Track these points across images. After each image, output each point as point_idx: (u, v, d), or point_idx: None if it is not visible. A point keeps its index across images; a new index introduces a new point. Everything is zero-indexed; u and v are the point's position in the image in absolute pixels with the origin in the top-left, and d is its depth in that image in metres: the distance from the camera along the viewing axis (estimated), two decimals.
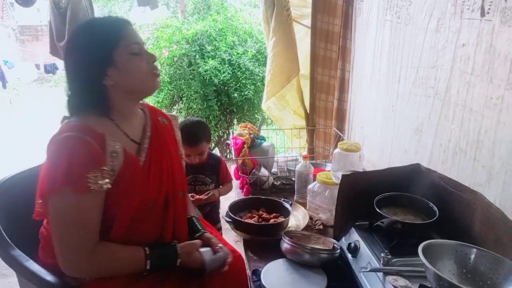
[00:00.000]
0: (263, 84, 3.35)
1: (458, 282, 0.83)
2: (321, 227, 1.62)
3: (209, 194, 1.90)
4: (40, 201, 1.07)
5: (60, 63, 8.64)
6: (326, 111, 2.77)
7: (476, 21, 1.32)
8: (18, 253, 1.13)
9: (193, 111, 4.33)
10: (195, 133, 1.84)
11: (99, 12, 8.91)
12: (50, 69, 8.76)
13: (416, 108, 1.75)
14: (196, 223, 1.39)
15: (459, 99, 1.45)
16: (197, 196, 1.87)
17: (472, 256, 0.98)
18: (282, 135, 2.89)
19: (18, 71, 8.75)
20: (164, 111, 1.56)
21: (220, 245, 1.28)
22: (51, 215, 1.03)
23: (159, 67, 1.20)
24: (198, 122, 1.91)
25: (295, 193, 1.88)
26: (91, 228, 1.04)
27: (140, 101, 1.27)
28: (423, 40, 1.67)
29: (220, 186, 2.03)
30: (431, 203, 1.27)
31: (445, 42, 1.51)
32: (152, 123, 1.25)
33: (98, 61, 1.07)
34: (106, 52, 1.07)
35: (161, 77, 4.42)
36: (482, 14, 1.29)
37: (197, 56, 4.35)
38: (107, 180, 1.03)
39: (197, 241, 1.24)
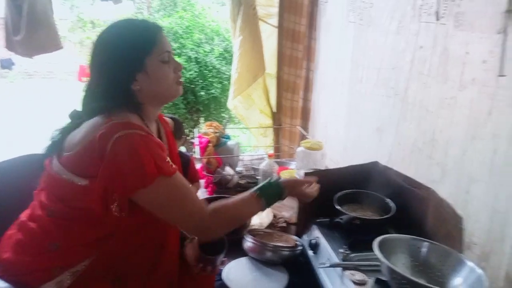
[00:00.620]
0: (230, 83, 3.33)
1: (411, 274, 0.87)
2: (284, 224, 1.63)
3: None
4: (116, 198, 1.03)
5: (17, 58, 8.19)
6: (292, 110, 2.80)
7: (432, 25, 1.38)
8: None
9: None
10: (175, 129, 1.79)
11: (59, 5, 8.54)
12: (6, 65, 8.32)
13: (378, 108, 1.80)
14: None
15: (416, 100, 1.50)
16: None
17: (424, 250, 1.02)
18: (249, 134, 2.89)
19: None
20: None
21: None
22: (153, 205, 1.04)
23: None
24: (175, 118, 1.87)
25: None
26: (196, 198, 1.11)
27: None
28: (385, 42, 1.72)
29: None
30: (388, 199, 1.31)
31: (405, 44, 1.56)
32: (164, 130, 1.28)
33: (130, 65, 1.07)
34: (139, 57, 1.07)
35: None
36: (437, 18, 1.34)
37: None
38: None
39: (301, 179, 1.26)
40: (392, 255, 0.99)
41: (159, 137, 1.22)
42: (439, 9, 1.34)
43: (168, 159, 1.06)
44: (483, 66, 1.14)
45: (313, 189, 1.24)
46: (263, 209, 1.15)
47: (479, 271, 0.90)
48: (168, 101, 1.24)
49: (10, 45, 4.12)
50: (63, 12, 8.99)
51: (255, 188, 1.15)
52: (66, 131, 1.09)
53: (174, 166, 1.05)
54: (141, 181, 1.00)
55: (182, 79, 1.18)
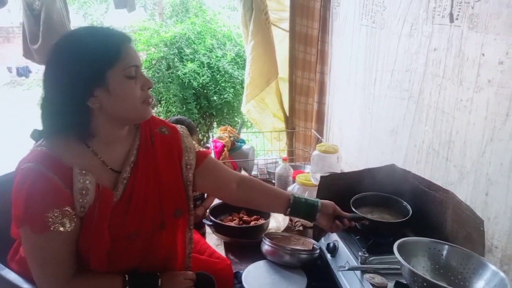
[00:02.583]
0: (243, 87, 3.36)
1: (431, 277, 0.87)
2: (301, 228, 1.64)
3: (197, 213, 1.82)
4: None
5: (34, 66, 8.40)
6: (306, 114, 2.81)
7: (446, 27, 1.38)
8: None
9: (172, 114, 4.31)
10: (188, 128, 1.81)
11: (74, 14, 8.73)
12: (23, 72, 8.52)
13: (392, 110, 1.80)
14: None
15: (431, 101, 1.50)
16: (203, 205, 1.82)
17: (444, 252, 1.02)
18: (262, 138, 2.92)
19: None
20: None
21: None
22: (22, 244, 1.00)
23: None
24: (184, 119, 1.89)
25: None
26: (62, 264, 0.98)
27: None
28: (398, 44, 1.72)
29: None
30: (405, 202, 1.31)
31: (418, 46, 1.57)
32: (140, 143, 1.10)
33: (87, 77, 0.94)
34: (99, 70, 0.94)
35: None
36: (451, 20, 1.35)
37: (176, 59, 4.33)
38: (71, 222, 0.95)
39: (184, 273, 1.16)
40: (412, 258, 1.00)
41: (127, 155, 1.07)
42: (453, 11, 1.34)
43: (70, 212, 0.93)
44: (500, 68, 1.14)
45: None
46: None
47: (502, 274, 0.89)
48: (133, 122, 1.08)
49: (27, 53, 4.23)
50: (77, 20, 9.18)
51: (129, 280, 1.04)
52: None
53: (53, 226, 0.91)
54: (14, 220, 0.97)
55: (150, 99, 1.03)
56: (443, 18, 1.39)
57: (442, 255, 1.02)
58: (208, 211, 1.67)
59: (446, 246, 1.02)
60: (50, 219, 0.91)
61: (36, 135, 1.03)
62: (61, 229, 0.93)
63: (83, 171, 0.96)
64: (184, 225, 1.19)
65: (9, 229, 1.04)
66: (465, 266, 0.97)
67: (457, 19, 1.32)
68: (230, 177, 1.28)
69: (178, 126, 1.24)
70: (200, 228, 1.92)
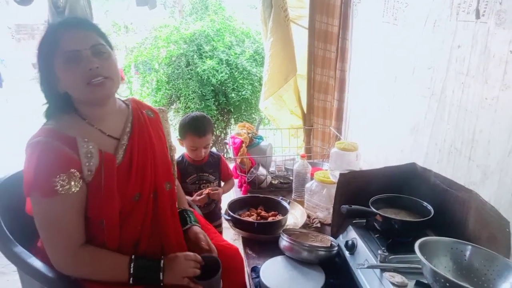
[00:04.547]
0: (261, 84, 3.36)
1: (454, 278, 0.86)
2: (318, 225, 1.64)
3: (216, 191, 1.87)
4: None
5: None
6: (324, 111, 2.79)
7: (471, 23, 1.35)
8: (20, 249, 1.14)
9: (190, 110, 4.35)
10: (202, 124, 1.84)
11: (97, 11, 8.89)
12: None
13: (412, 108, 1.77)
14: (190, 215, 1.39)
15: (454, 99, 1.47)
16: (204, 192, 1.84)
17: (467, 253, 1.00)
18: (280, 134, 2.91)
19: (14, 70, 8.71)
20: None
21: (206, 242, 1.29)
22: (33, 216, 1.06)
23: (109, 74, 1.09)
24: (203, 115, 1.91)
25: (293, 191, 1.91)
26: (69, 231, 1.05)
27: (114, 100, 1.21)
28: (420, 41, 1.69)
29: (222, 184, 2.04)
30: (426, 203, 1.29)
31: (441, 43, 1.54)
32: (133, 117, 1.23)
33: (46, 68, 1.07)
34: (46, 60, 1.06)
35: (159, 77, 4.44)
36: (477, 16, 1.32)
37: (195, 56, 4.37)
38: (76, 184, 1.03)
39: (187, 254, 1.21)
40: (434, 257, 0.98)
41: (124, 126, 1.19)
42: (479, 7, 1.31)
43: (75, 175, 1.02)
44: None
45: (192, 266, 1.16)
46: (127, 281, 1.09)
47: None
48: (90, 103, 1.12)
49: None
50: (98, 17, 9.34)
51: (135, 260, 1.10)
52: None
53: (61, 188, 1.00)
54: (24, 189, 1.03)
55: (96, 80, 1.05)
56: (468, 14, 1.36)
57: (465, 255, 1.00)
58: (227, 205, 1.69)
59: (469, 247, 1.00)
60: (58, 183, 1.00)
61: (46, 114, 1.15)
62: (68, 191, 1.01)
63: (85, 139, 1.07)
64: (173, 201, 1.33)
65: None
66: (489, 267, 0.95)
67: (483, 15, 1.29)
68: None
69: (159, 111, 1.37)
70: (215, 220, 1.95)
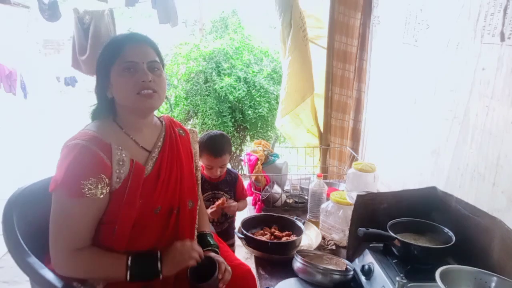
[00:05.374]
0: (277, 102, 3.38)
1: None
2: (333, 247, 1.59)
3: (232, 203, 1.84)
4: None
5: (80, 76, 8.87)
6: (342, 130, 2.77)
7: (496, 46, 1.32)
8: (33, 260, 1.15)
9: (207, 126, 4.38)
10: (220, 144, 1.84)
11: (120, 28, 9.19)
12: (70, 82, 8.98)
13: (433, 131, 1.73)
14: (210, 239, 1.38)
15: (478, 123, 1.43)
16: (216, 204, 1.81)
17: (492, 284, 0.95)
18: (295, 153, 2.89)
19: (39, 83, 9.00)
20: None
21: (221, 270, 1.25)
22: (51, 211, 1.09)
23: (158, 88, 1.17)
24: (222, 134, 1.91)
25: (308, 212, 1.87)
26: (76, 233, 1.08)
27: (152, 114, 1.28)
28: (441, 63, 1.67)
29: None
30: (447, 229, 1.24)
31: (464, 65, 1.51)
32: (166, 133, 1.29)
33: (101, 74, 1.16)
34: (105, 67, 1.15)
35: (177, 92, 4.51)
36: (502, 39, 1.29)
37: (214, 73, 4.43)
38: (102, 190, 1.07)
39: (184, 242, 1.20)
40: (455, 287, 0.94)
41: (156, 140, 1.24)
42: (504, 30, 1.29)
43: (104, 181, 1.06)
44: None
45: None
46: (124, 279, 1.09)
47: None
48: (136, 112, 1.19)
49: (76, 64, 4.49)
50: None
51: (132, 256, 1.10)
52: None
53: (88, 192, 1.04)
54: (51, 184, 1.06)
55: (147, 91, 1.13)
56: (493, 37, 1.34)
57: (489, 287, 0.95)
58: (240, 223, 1.66)
59: (495, 278, 0.95)
60: (86, 186, 1.04)
61: (92, 114, 1.23)
62: (94, 195, 1.05)
63: (120, 147, 1.12)
64: (193, 220, 1.33)
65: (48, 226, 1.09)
66: None
67: (509, 38, 1.26)
68: None
69: (190, 131, 1.43)
70: (227, 239, 1.92)
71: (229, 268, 1.27)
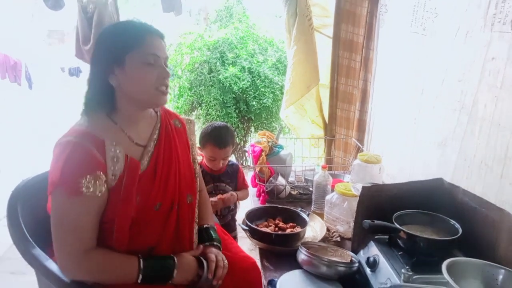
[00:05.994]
0: (282, 93, 3.35)
1: None
2: (338, 239, 1.59)
3: (229, 195, 1.84)
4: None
5: (84, 66, 8.86)
6: (347, 121, 2.74)
7: (507, 34, 1.29)
8: (38, 252, 1.15)
9: (211, 117, 4.37)
10: (225, 136, 1.83)
11: (124, 17, 9.12)
12: (74, 72, 8.97)
13: (440, 122, 1.71)
14: (212, 233, 1.36)
15: (486, 114, 1.41)
16: (219, 197, 1.83)
17: (500, 277, 0.94)
18: (299, 144, 2.88)
19: (44, 73, 9.00)
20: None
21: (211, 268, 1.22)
22: (51, 214, 1.06)
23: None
24: (226, 126, 1.90)
25: (312, 203, 1.86)
26: (83, 233, 1.05)
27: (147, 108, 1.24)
28: (450, 53, 1.64)
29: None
30: (453, 221, 1.23)
31: (473, 55, 1.48)
32: (161, 126, 1.25)
33: (108, 57, 1.10)
34: (119, 51, 1.09)
35: (181, 83, 4.49)
36: None
37: (218, 63, 4.40)
38: (101, 187, 1.04)
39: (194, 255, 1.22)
40: (462, 280, 0.93)
41: (151, 134, 1.20)
42: None
43: (101, 178, 1.03)
44: None
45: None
46: (136, 282, 1.08)
47: None
48: (147, 105, 1.19)
49: (79, 54, 4.47)
50: None
51: (144, 260, 1.09)
52: None
53: (86, 190, 1.01)
54: (49, 187, 1.04)
55: (164, 88, 1.13)
56: (504, 25, 1.30)
57: (496, 280, 0.94)
58: (244, 215, 1.66)
59: (502, 271, 0.94)
60: (84, 184, 1.01)
61: (85, 105, 1.16)
62: (93, 193, 1.02)
63: (113, 143, 1.09)
64: (193, 215, 1.30)
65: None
66: None
67: None
68: None
69: (187, 122, 1.38)
70: (231, 231, 1.92)
71: (226, 262, 1.24)
